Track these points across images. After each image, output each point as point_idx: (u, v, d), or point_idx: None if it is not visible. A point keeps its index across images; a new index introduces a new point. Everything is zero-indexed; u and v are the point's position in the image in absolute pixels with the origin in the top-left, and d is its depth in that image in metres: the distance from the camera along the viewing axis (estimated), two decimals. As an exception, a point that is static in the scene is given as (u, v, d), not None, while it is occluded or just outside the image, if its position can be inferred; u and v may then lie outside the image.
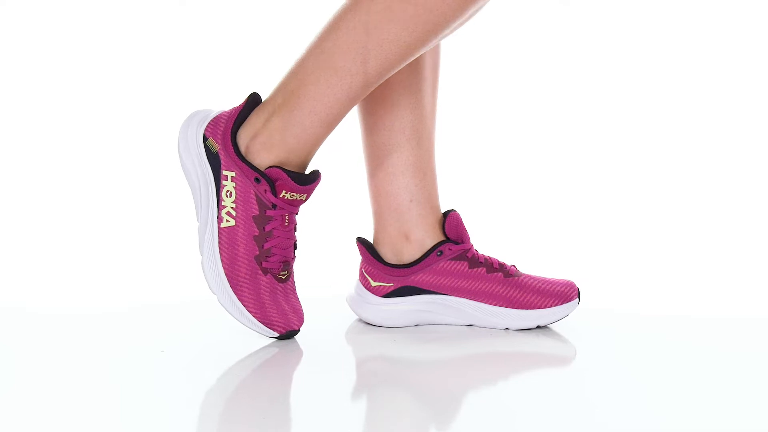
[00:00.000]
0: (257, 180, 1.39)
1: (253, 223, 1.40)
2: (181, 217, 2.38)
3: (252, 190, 1.40)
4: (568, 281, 1.55)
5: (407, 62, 1.39)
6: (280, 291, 1.45)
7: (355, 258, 1.66)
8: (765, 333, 1.60)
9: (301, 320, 1.47)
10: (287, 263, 1.45)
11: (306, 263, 1.82)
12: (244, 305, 1.43)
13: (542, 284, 1.54)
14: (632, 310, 1.70)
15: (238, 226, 1.41)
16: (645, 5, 2.68)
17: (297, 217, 1.45)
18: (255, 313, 1.43)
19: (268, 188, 1.39)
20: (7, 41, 2.66)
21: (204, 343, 1.49)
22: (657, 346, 1.49)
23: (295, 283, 1.51)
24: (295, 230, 1.44)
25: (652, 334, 1.56)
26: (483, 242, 1.72)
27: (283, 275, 1.45)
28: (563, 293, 1.53)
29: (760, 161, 2.58)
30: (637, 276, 1.98)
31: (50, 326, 1.54)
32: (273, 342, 1.46)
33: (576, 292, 1.54)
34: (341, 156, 2.44)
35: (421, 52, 1.38)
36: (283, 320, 1.44)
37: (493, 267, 1.54)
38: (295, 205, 1.41)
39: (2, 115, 2.64)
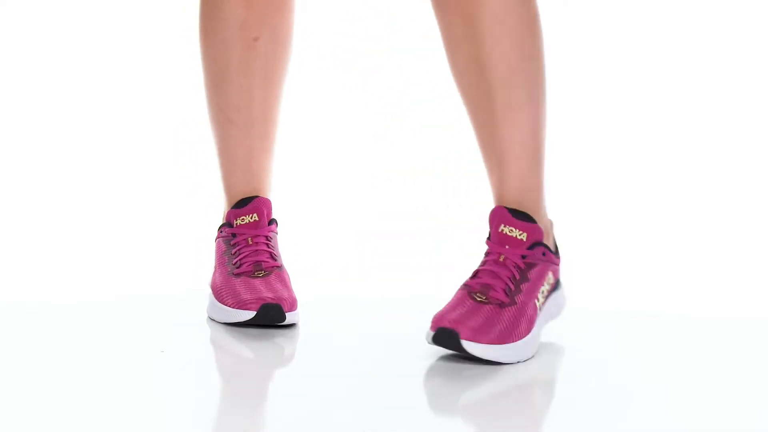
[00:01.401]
0: (220, 230, 1.62)
1: (224, 257, 1.59)
2: (182, 214, 2.38)
3: (219, 240, 1.62)
4: None
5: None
6: (259, 283, 1.53)
7: (355, 257, 1.66)
8: (765, 333, 1.60)
9: (279, 299, 1.49)
10: (259, 264, 1.56)
11: (308, 262, 1.82)
12: (223, 303, 1.53)
13: None
14: (632, 311, 1.69)
15: (215, 267, 1.60)
16: (645, 5, 2.68)
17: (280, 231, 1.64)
18: (232, 303, 1.52)
19: (224, 227, 1.61)
20: (7, 41, 2.66)
21: (204, 343, 1.49)
22: (657, 347, 1.49)
23: (286, 279, 1.55)
24: (269, 246, 1.58)
25: (653, 335, 1.56)
26: (477, 241, 1.71)
27: (259, 274, 1.55)
28: None
29: (760, 161, 2.57)
30: (638, 277, 1.98)
31: (50, 327, 1.53)
32: (272, 342, 1.46)
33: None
34: (345, 155, 2.44)
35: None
36: (254, 297, 1.50)
37: None
38: (252, 227, 1.59)
39: (1, 115, 2.64)
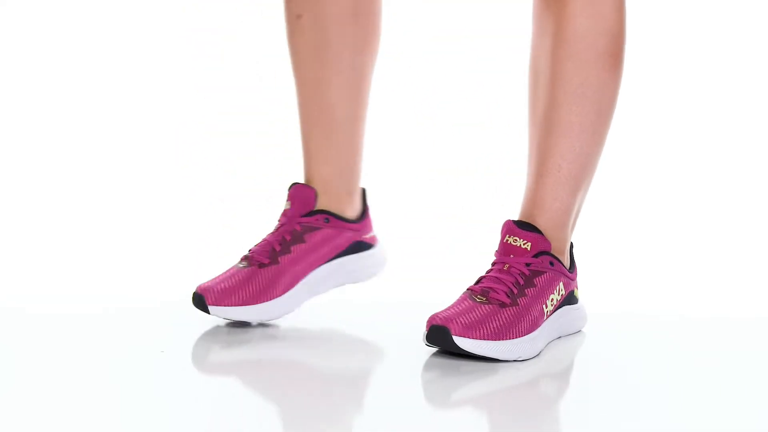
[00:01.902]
0: None
1: None
2: (181, 217, 2.38)
3: None
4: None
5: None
6: (228, 271, 1.53)
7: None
8: (765, 333, 1.60)
9: (206, 289, 1.49)
10: (250, 256, 1.54)
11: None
12: None
13: None
14: (632, 311, 1.70)
15: None
16: (646, 5, 2.68)
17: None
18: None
19: None
20: (7, 41, 2.66)
21: (204, 344, 1.49)
22: (657, 348, 1.49)
23: (253, 277, 1.52)
24: (280, 241, 1.55)
25: (653, 335, 1.56)
26: (485, 241, 1.71)
27: (241, 264, 1.54)
28: None
29: (760, 161, 2.57)
30: (637, 277, 1.98)
31: (50, 327, 1.53)
32: (272, 342, 1.46)
33: None
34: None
35: None
36: (204, 283, 1.52)
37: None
38: (284, 214, 1.58)
39: (2, 116, 2.64)
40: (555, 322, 1.45)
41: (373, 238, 1.64)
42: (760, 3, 2.63)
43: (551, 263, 1.44)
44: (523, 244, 1.43)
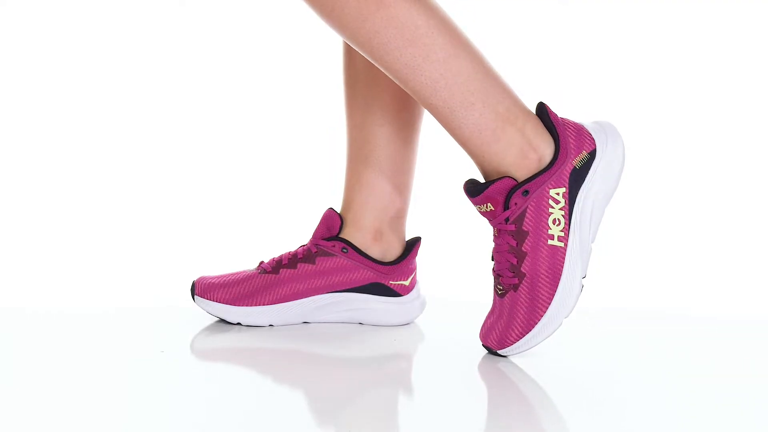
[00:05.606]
0: None
1: None
2: (181, 218, 2.38)
3: None
4: None
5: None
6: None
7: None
8: (765, 333, 1.60)
9: (199, 282, 1.54)
10: (263, 261, 1.57)
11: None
12: None
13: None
14: (632, 311, 1.70)
15: None
16: (645, 5, 2.68)
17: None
18: None
19: None
20: (7, 41, 2.66)
21: (204, 343, 1.49)
22: (657, 347, 1.49)
23: (245, 281, 1.54)
24: (291, 257, 1.56)
25: (653, 335, 1.56)
26: (479, 240, 1.71)
27: (253, 268, 1.57)
28: None
29: (761, 161, 2.58)
30: (637, 277, 1.98)
31: (50, 327, 1.54)
32: (272, 342, 1.46)
33: None
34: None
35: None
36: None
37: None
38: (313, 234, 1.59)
39: (2, 117, 2.64)
40: (585, 214, 1.36)
41: (404, 288, 1.57)
42: (761, 3, 2.63)
43: (524, 192, 1.34)
44: (487, 209, 1.35)
